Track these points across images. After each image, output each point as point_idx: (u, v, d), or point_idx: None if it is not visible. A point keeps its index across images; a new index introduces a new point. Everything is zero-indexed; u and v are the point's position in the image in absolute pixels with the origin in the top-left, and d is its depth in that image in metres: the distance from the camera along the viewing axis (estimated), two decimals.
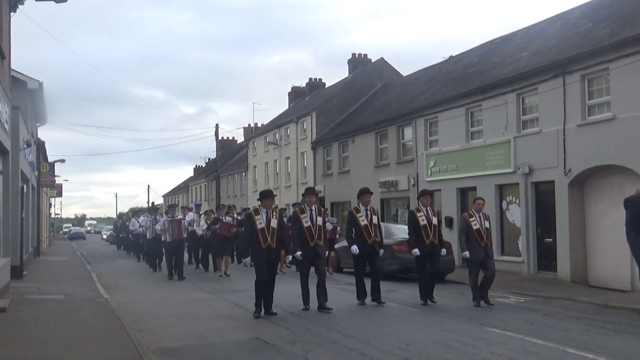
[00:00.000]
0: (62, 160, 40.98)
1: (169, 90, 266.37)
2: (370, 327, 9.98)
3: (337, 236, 20.20)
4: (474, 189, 21.54)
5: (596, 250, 17.18)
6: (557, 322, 10.63)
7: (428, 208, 12.79)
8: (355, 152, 31.44)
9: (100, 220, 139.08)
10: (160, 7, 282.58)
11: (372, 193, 13.27)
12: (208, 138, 78.60)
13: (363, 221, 12.34)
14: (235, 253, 22.58)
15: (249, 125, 56.06)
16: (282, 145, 41.40)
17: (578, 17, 21.04)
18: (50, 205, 56.32)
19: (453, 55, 30.96)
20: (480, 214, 12.64)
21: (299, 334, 9.34)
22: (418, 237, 12.54)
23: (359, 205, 12.76)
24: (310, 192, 12.18)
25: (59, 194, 54.62)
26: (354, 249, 12.29)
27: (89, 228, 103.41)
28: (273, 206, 11.60)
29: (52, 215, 70.51)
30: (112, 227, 62.08)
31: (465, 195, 22.56)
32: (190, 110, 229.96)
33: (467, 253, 12.37)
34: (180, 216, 19.65)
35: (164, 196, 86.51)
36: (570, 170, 17.45)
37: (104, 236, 62.19)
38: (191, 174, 77.09)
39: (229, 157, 60.49)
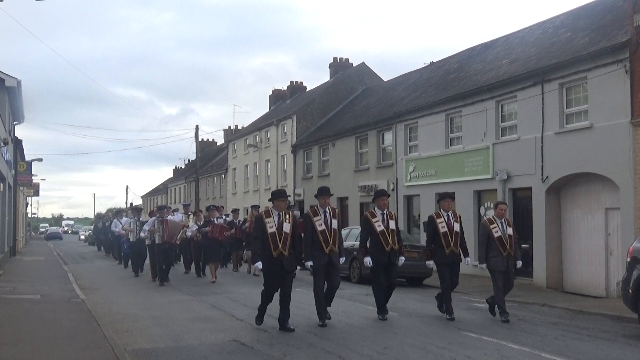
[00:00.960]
0: (40, 159, 40.48)
1: (150, 90, 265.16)
2: (348, 330, 9.98)
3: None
4: (452, 194, 21.65)
5: (572, 257, 17.35)
6: (533, 327, 10.73)
7: (450, 213, 11.46)
8: (335, 156, 31.47)
9: (77, 220, 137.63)
10: (144, 7, 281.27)
11: (389, 195, 11.91)
12: (188, 139, 78.55)
13: (379, 227, 10.94)
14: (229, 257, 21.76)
15: (230, 127, 55.93)
16: (262, 148, 41.31)
17: (557, 27, 21.27)
18: (27, 204, 55.67)
19: (434, 61, 31.18)
20: (503, 220, 11.41)
21: (276, 337, 9.32)
22: (437, 246, 11.26)
23: (374, 209, 11.34)
24: (324, 192, 10.67)
25: (36, 193, 54.02)
26: (367, 261, 10.84)
27: (66, 228, 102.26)
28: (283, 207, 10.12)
29: (29, 215, 69.73)
30: (90, 227, 61.49)
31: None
32: (172, 111, 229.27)
33: (484, 265, 11.37)
34: (170, 217, 18.54)
35: (142, 197, 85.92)
36: (547, 177, 17.62)
37: (82, 237, 61.52)
38: (170, 175, 76.68)
39: (209, 159, 60.26)
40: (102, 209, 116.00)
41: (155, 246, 17.19)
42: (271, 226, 9.63)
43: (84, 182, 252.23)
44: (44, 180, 78.19)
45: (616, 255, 15.64)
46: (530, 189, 18.39)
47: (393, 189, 25.44)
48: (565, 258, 17.54)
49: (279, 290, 9.66)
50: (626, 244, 13.70)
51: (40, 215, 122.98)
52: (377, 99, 31.97)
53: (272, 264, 9.54)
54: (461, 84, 22.90)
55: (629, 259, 10.41)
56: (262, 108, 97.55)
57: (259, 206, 22.35)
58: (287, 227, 9.69)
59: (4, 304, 12.30)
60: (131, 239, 20.12)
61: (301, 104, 38.90)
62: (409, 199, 24.85)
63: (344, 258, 10.96)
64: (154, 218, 17.73)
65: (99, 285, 17.05)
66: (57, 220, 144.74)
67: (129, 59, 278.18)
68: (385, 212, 11.18)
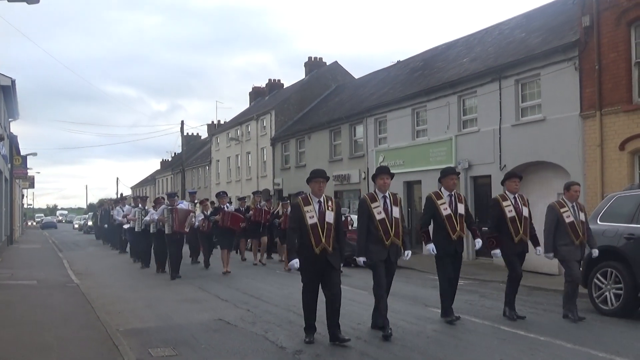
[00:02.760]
0: (35, 154, 39.86)
1: (140, 88, 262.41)
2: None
3: (350, 227, 17.12)
4: (419, 182, 21.80)
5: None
6: (493, 302, 10.82)
7: (517, 196, 9.24)
8: (311, 147, 31.44)
9: (71, 210, 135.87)
10: (134, 9, 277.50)
11: (459, 174, 9.51)
12: (174, 134, 78.08)
13: (446, 210, 8.75)
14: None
15: (213, 122, 55.56)
16: (243, 141, 41.12)
17: (513, 27, 21.39)
18: (22, 196, 54.84)
19: (401, 60, 31.20)
20: (574, 204, 9.28)
21: (259, 315, 9.31)
22: (503, 233, 9.03)
23: (440, 190, 9.04)
24: (383, 171, 8.20)
25: (32, 186, 53.18)
26: (431, 248, 8.67)
27: (60, 218, 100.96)
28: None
29: (25, 206, 68.71)
30: (82, 216, 60.77)
31: (411, 188, 22.80)
32: (160, 108, 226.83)
33: (551, 255, 9.30)
34: (181, 204, 15.71)
35: (132, 188, 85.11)
36: (505, 165, 17.76)
37: (76, 225, 60.73)
38: (158, 167, 76.02)
39: (194, 152, 59.88)
40: (94, 200, 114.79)
41: (165, 237, 14.71)
42: (311, 216, 7.40)
43: (77, 175, 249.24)
44: (38, 173, 77.51)
45: None
46: (489, 176, 18.52)
47: (364, 178, 25.51)
48: None
49: (325, 292, 7.48)
50: None
51: (36, 206, 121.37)
52: (349, 95, 31.95)
53: (314, 262, 7.35)
54: (426, 80, 22.96)
55: None
56: (243, 104, 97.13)
57: (261, 192, 21.24)
58: (330, 217, 7.46)
59: (3, 289, 12.14)
60: (135, 229, 17.85)
61: (279, 100, 38.75)
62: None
63: (410, 252, 8.36)
64: (163, 206, 15.18)
65: (92, 270, 16.88)
66: (51, 210, 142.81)
67: (120, 58, 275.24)
68: (453, 193, 9.00)
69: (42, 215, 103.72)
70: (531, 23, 20.21)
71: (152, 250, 16.49)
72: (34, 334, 7.83)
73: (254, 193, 19.79)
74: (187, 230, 15.01)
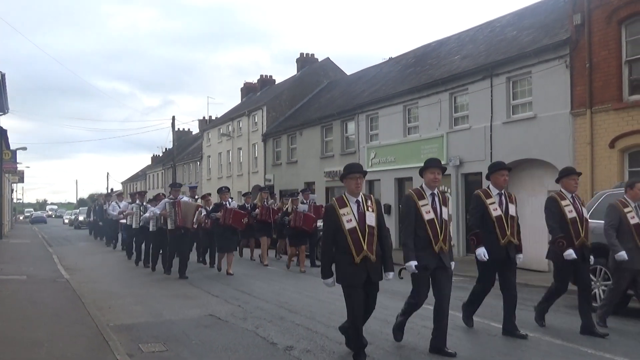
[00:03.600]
0: (24, 148, 39.65)
1: (132, 83, 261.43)
2: (315, 304, 10.01)
3: None
4: (410, 178, 21.82)
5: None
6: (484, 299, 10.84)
7: (574, 195, 8.27)
8: (302, 144, 31.42)
9: (60, 205, 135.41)
10: (126, 3, 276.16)
11: (509, 169, 8.13)
12: (166, 129, 77.62)
13: (496, 211, 7.60)
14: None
15: (204, 117, 55.43)
16: (235, 137, 41.04)
17: (504, 25, 21.44)
18: (12, 190, 54.50)
19: (393, 56, 31.20)
20: (638, 204, 8.32)
21: (250, 311, 9.31)
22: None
23: (488, 188, 7.96)
24: (433, 163, 7.03)
25: (21, 180, 52.88)
26: (482, 253, 7.48)
27: (50, 212, 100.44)
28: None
29: (14, 200, 68.31)
30: (74, 211, 60.40)
31: (402, 184, 22.83)
32: (152, 103, 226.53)
33: (623, 253, 7.97)
34: (184, 198, 14.73)
35: (122, 183, 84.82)
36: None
37: (66, 220, 60.41)
38: (149, 162, 75.79)
39: (185, 147, 59.72)
40: (85, 195, 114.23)
41: (168, 233, 13.64)
42: (349, 219, 6.19)
43: (67, 169, 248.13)
44: (28, 167, 77.07)
45: None
46: (480, 173, 18.56)
47: (266, 186, 25.55)
48: None
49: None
50: None
51: (25, 201, 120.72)
52: (341, 91, 31.94)
53: (355, 275, 6.15)
54: (417, 77, 22.99)
55: None
56: (235, 99, 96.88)
57: (267, 188, 19.88)
58: (371, 219, 6.26)
59: None
60: (133, 226, 16.97)
61: (271, 95, 38.70)
62: (370, 184, 24.91)
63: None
64: (165, 200, 14.06)
65: (82, 265, 16.81)
66: (41, 205, 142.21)
67: (112, 53, 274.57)
68: (503, 192, 7.81)
69: (32, 210, 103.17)
70: (523, 21, 20.27)
71: (150, 250, 15.43)
72: (24, 330, 7.79)
73: (260, 189, 18.37)
74: (195, 226, 13.95)
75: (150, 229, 14.79)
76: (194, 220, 13.65)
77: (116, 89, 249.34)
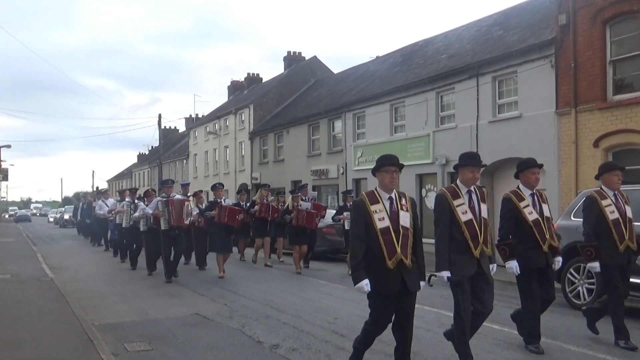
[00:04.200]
0: (8, 146, 39.43)
1: (118, 80, 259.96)
2: (301, 303, 10.03)
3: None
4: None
5: None
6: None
7: (617, 193, 7.26)
8: (289, 142, 31.41)
9: (45, 203, 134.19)
10: (113, 0, 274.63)
11: (541, 165, 7.41)
12: (152, 127, 77.28)
13: (532, 214, 6.79)
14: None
15: (191, 115, 55.25)
16: (222, 135, 40.94)
17: (491, 25, 21.55)
18: None
19: (380, 55, 31.27)
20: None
21: (236, 310, 9.31)
22: (603, 239, 6.96)
23: (519, 189, 7.06)
24: (473, 160, 6.26)
25: (5, 178, 52.46)
26: (513, 267, 6.69)
27: (34, 211, 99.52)
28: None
29: None
30: (59, 209, 59.84)
31: None
32: (139, 101, 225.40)
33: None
34: (177, 196, 13.61)
35: (108, 181, 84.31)
36: (481, 162, 17.89)
37: (51, 219, 59.88)
38: (135, 160, 75.41)
39: (171, 145, 59.47)
40: (70, 193, 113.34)
41: (161, 234, 12.75)
42: (381, 217, 5.34)
43: (52, 167, 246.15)
44: (12, 165, 76.32)
45: None
46: None
47: (343, 173, 25.56)
48: (497, 235, 17.88)
49: (393, 332, 5.56)
50: None
51: (9, 199, 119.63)
52: (328, 90, 31.96)
53: (388, 281, 5.28)
54: (404, 76, 23.05)
55: None
56: (222, 98, 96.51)
57: (269, 185, 18.61)
58: (406, 219, 5.42)
59: None
60: (123, 225, 16.00)
61: (258, 94, 38.64)
62: (357, 182, 24.97)
63: (495, 266, 6.43)
64: (157, 199, 13.25)
65: (67, 264, 16.69)
66: (25, 203, 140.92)
67: (98, 50, 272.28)
68: (535, 192, 7.03)
69: (16, 208, 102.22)
70: (509, 20, 20.39)
71: (144, 250, 14.47)
72: (7, 329, 7.73)
73: (261, 186, 17.48)
74: (187, 222, 13.18)
75: (141, 229, 13.97)
76: (184, 215, 12.83)
77: (103, 87, 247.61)
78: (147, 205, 14.26)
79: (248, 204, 16.43)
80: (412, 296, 5.38)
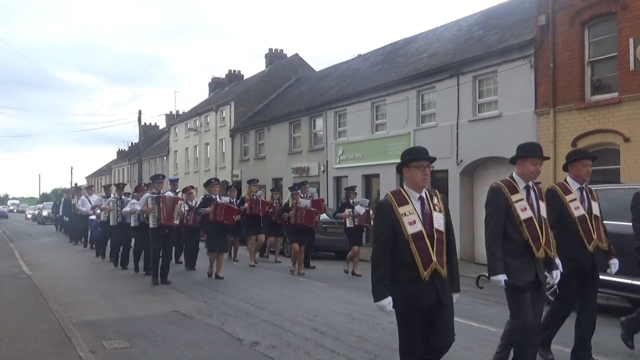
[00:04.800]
0: None
1: (98, 76, 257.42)
2: (281, 300, 10.03)
3: (371, 223, 13.48)
4: (377, 175, 21.97)
5: (482, 231, 17.83)
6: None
7: (584, 187, 6.28)
8: (270, 139, 31.35)
9: (23, 199, 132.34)
10: None
11: (594, 158, 6.52)
12: (132, 123, 76.60)
13: (578, 210, 6.00)
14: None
15: (171, 112, 54.90)
16: (202, 132, 40.74)
17: (471, 25, 21.69)
18: None
19: (361, 53, 31.33)
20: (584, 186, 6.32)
21: (215, 307, 9.28)
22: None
23: (566, 182, 6.23)
24: (535, 152, 5.49)
25: None
26: (556, 276, 5.38)
27: (11, 207, 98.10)
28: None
29: None
30: (37, 206, 59.08)
31: (369, 181, 22.96)
32: (118, 97, 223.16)
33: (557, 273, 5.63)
34: (168, 192, 12.99)
35: (87, 177, 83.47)
36: (461, 160, 18.05)
37: (28, 215, 59.02)
38: (115, 157, 74.78)
39: (151, 142, 59.08)
40: (48, 189, 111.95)
41: (150, 232, 11.97)
42: (412, 221, 4.46)
43: (30, 163, 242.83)
44: None
45: None
46: (446, 171, 18.79)
47: (324, 171, 25.57)
48: (477, 233, 18.05)
49: (432, 342, 4.51)
50: None
51: None
52: (309, 87, 31.95)
53: (422, 296, 4.39)
54: (385, 75, 23.12)
55: None
56: (203, 94, 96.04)
57: (257, 180, 17.64)
58: (439, 221, 4.55)
59: None
60: (111, 222, 14.97)
61: (239, 91, 38.51)
62: (338, 180, 25.01)
63: (559, 272, 5.39)
64: (147, 195, 12.31)
65: (45, 261, 16.52)
66: (2, 199, 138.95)
67: (78, 45, 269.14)
68: (584, 186, 6.20)
69: None
70: (489, 21, 20.53)
71: (132, 248, 14.14)
72: None
73: (249, 182, 16.65)
74: (176, 222, 12.28)
75: (132, 224, 13.24)
76: (175, 215, 12.00)
77: (83, 82, 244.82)
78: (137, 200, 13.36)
79: (237, 201, 15.72)
80: (448, 311, 4.47)
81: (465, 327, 8.00)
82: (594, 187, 9.67)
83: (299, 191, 14.38)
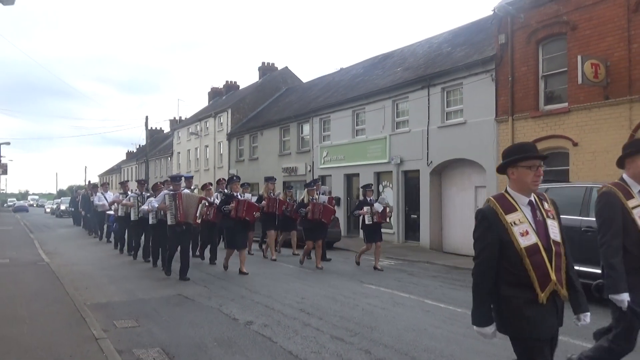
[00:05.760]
0: (8, 143, 38.56)
1: (111, 85, 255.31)
2: (272, 284, 10.01)
3: (388, 219, 13.18)
4: (357, 175, 21.98)
5: (449, 224, 17.96)
6: (419, 279, 11.06)
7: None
8: (263, 143, 31.26)
9: (41, 195, 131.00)
10: (105, 11, 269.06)
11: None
12: (139, 127, 75.99)
13: None
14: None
15: (175, 118, 54.55)
16: (202, 136, 40.54)
17: (441, 42, 21.76)
18: None
19: (344, 67, 31.32)
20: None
21: (214, 291, 9.25)
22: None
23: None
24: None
25: (4, 172, 51.08)
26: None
27: (31, 202, 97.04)
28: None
29: None
30: (56, 200, 58.42)
31: (350, 180, 22.97)
32: (128, 103, 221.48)
33: None
34: (185, 190, 11.92)
35: (99, 175, 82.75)
36: (431, 162, 18.11)
37: (48, 209, 58.36)
38: (124, 157, 74.18)
39: (157, 144, 58.66)
40: (64, 186, 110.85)
41: (168, 229, 10.78)
42: (524, 231, 3.20)
43: (48, 163, 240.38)
44: (11, 161, 74.58)
45: None
46: (418, 171, 18.85)
47: (310, 171, 25.53)
48: (444, 225, 18.14)
49: None
50: None
51: (8, 191, 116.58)
52: (298, 96, 31.88)
53: (542, 321, 3.16)
54: (365, 86, 23.13)
55: None
56: (203, 102, 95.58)
57: (275, 178, 15.99)
58: (555, 230, 3.29)
59: None
60: (132, 217, 13.80)
61: (235, 99, 38.33)
62: (322, 179, 24.99)
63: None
64: (164, 192, 11.19)
65: (62, 250, 16.37)
66: (23, 195, 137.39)
67: (92, 57, 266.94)
68: None
69: (14, 199, 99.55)
70: (456, 39, 20.61)
71: (151, 244, 12.87)
72: (7, 308, 7.55)
73: (266, 180, 15.17)
74: (198, 221, 10.96)
75: (150, 222, 11.98)
76: (197, 214, 10.75)
77: (96, 91, 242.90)
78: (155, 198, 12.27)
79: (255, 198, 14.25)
80: (557, 335, 3.33)
81: (435, 308, 8.05)
82: (545, 186, 9.84)
83: (315, 187, 13.25)
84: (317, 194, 13.02)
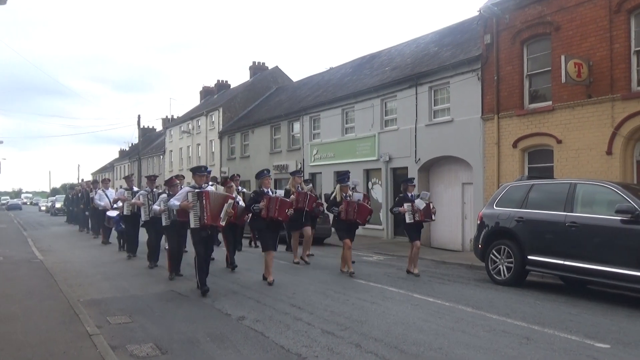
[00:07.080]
0: (1, 142, 38.23)
1: (104, 84, 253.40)
2: (263, 280, 9.98)
3: (433, 218, 11.40)
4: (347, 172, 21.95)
5: (437, 220, 17.90)
6: (407, 274, 11.07)
7: None
8: (254, 141, 31.19)
9: (35, 193, 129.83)
10: (98, 11, 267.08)
11: None
12: (132, 126, 75.18)
13: None
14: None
15: (167, 116, 54.27)
16: (194, 134, 40.37)
17: (428, 42, 21.80)
18: None
19: (333, 67, 31.30)
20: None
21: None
22: None
23: None
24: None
25: None
26: None
27: (25, 200, 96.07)
28: None
29: None
30: (51, 198, 57.86)
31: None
32: (120, 102, 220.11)
33: None
34: (211, 187, 10.03)
35: (92, 174, 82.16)
36: (419, 159, 18.15)
37: (42, 207, 57.69)
38: (117, 155, 73.72)
39: (149, 143, 58.37)
40: (57, 184, 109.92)
41: (191, 233, 8.69)
42: None
43: (41, 161, 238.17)
44: (4, 159, 74.28)
45: (469, 219, 16.37)
46: (406, 168, 18.89)
47: (300, 168, 25.51)
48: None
49: None
50: (477, 210, 14.40)
51: (2, 189, 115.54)
52: (288, 95, 31.83)
53: None
54: (354, 85, 23.13)
55: (478, 222, 10.84)
56: (195, 101, 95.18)
57: (301, 171, 14.31)
58: None
59: None
60: (142, 217, 11.85)
61: (226, 98, 38.20)
62: (313, 176, 24.97)
63: None
64: (187, 189, 8.78)
65: (55, 247, 16.23)
66: (16, 193, 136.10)
67: (86, 57, 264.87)
68: None
69: (8, 197, 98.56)
70: (443, 39, 20.65)
71: (167, 249, 10.93)
72: (2, 305, 7.47)
73: (292, 174, 13.14)
74: (223, 223, 8.68)
75: (164, 224, 10.27)
76: (222, 215, 8.54)
77: (90, 90, 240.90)
78: (168, 195, 10.30)
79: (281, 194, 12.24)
80: None
81: (423, 302, 8.07)
82: (531, 182, 9.89)
83: (348, 183, 11.31)
84: (350, 190, 11.27)
